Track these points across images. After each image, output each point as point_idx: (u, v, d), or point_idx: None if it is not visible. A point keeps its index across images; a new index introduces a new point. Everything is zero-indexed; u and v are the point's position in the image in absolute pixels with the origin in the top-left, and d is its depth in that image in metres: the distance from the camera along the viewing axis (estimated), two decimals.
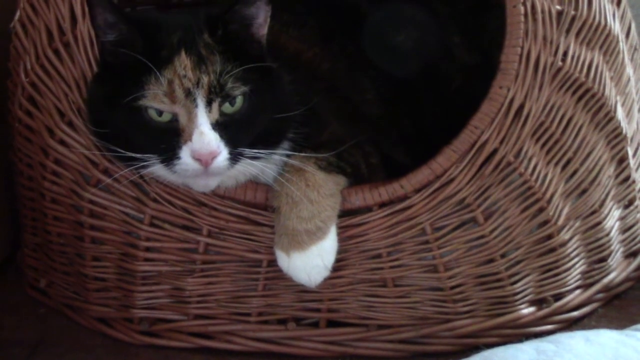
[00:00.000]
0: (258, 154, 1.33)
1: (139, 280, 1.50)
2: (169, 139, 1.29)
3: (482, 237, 1.45)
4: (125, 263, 1.49)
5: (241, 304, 1.49)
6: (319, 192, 1.39)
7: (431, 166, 1.42)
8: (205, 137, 1.28)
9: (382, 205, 1.44)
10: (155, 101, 1.28)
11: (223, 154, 1.29)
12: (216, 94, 1.29)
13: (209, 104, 1.28)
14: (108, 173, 1.44)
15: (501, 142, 1.42)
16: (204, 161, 1.28)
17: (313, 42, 1.61)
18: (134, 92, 1.28)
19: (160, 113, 1.29)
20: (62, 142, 1.47)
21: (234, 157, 1.30)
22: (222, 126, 1.29)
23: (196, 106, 1.28)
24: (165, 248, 1.47)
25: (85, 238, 1.51)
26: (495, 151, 1.42)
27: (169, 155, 1.29)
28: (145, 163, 1.31)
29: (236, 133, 1.31)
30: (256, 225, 1.44)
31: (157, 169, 1.33)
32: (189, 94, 1.28)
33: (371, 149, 1.53)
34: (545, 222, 1.48)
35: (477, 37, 1.70)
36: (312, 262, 1.39)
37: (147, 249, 1.48)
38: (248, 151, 1.32)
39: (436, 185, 1.42)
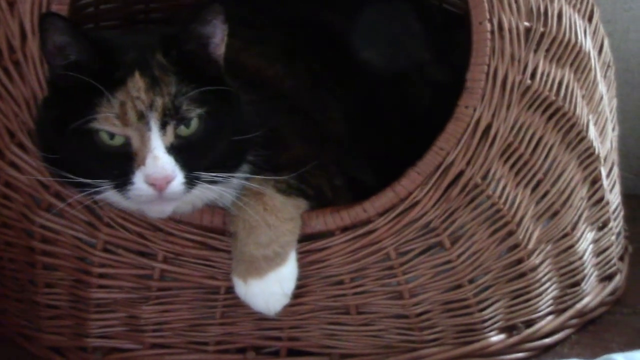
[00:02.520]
0: (215, 178, 1.27)
1: (93, 308, 1.43)
2: (121, 164, 1.23)
3: (449, 262, 1.40)
4: (79, 290, 1.43)
5: (199, 332, 1.43)
6: (278, 216, 1.33)
7: (395, 189, 1.36)
8: (159, 161, 1.22)
9: (345, 229, 1.38)
10: (107, 124, 1.22)
11: (178, 178, 1.23)
12: (171, 116, 1.23)
13: (163, 126, 1.23)
14: (60, 196, 1.38)
15: (468, 164, 1.36)
16: (159, 186, 1.22)
17: (275, 59, 1.55)
18: (84, 115, 1.22)
19: (112, 136, 1.23)
20: (13, 164, 1.41)
21: (190, 182, 1.25)
22: (177, 150, 1.24)
23: (149, 129, 1.22)
24: (120, 274, 1.41)
25: (37, 264, 1.45)
26: (461, 173, 1.37)
27: (122, 181, 1.23)
28: (97, 189, 1.25)
29: (192, 156, 1.25)
30: (213, 251, 1.38)
31: (110, 195, 1.27)
32: (142, 116, 1.22)
33: (336, 170, 1.47)
34: (515, 246, 1.43)
35: (450, 55, 1.65)
36: (270, 289, 1.33)
37: (101, 276, 1.42)
38: (205, 175, 1.26)
39: (400, 208, 1.37)
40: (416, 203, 1.36)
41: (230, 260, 1.37)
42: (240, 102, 1.33)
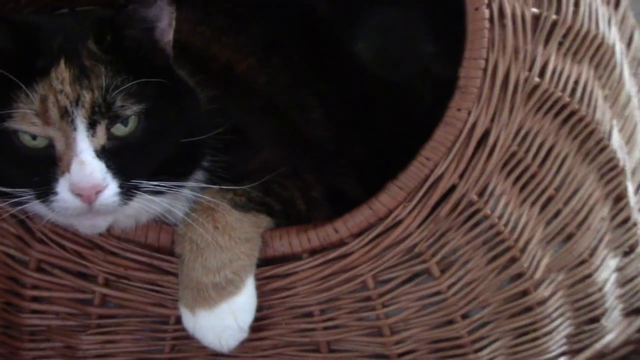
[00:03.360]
0: (159, 188, 1.07)
1: (26, 336, 1.25)
2: (44, 170, 1.04)
3: (438, 293, 1.19)
4: (9, 315, 1.24)
5: None
6: (231, 235, 1.13)
7: (372, 206, 1.15)
8: (86, 167, 1.03)
9: (314, 252, 1.17)
10: (25, 123, 1.03)
11: (111, 187, 1.04)
12: (101, 114, 1.04)
13: (91, 126, 1.04)
14: None
15: (461, 177, 1.15)
16: (86, 197, 1.03)
17: (250, 52, 1.34)
18: None
19: (34, 137, 1.05)
20: None
21: (127, 192, 1.05)
22: (110, 153, 1.05)
23: (75, 129, 1.03)
24: (55, 298, 1.22)
25: None
26: (453, 188, 1.15)
27: (44, 190, 1.04)
28: (18, 199, 1.06)
29: (129, 162, 1.06)
30: (162, 274, 1.19)
31: (35, 206, 1.08)
32: (65, 113, 1.03)
33: (313, 180, 1.26)
34: (519, 275, 1.21)
35: (457, 47, 1.42)
36: (222, 322, 1.13)
37: (34, 299, 1.23)
38: (146, 184, 1.06)
39: (379, 229, 1.16)
40: (398, 223, 1.15)
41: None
42: (194, 98, 1.14)
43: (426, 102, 1.39)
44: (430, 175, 1.14)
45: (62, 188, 1.03)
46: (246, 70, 1.33)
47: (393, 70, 1.42)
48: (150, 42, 1.09)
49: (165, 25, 1.10)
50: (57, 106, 1.03)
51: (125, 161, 1.05)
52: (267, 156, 1.23)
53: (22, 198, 1.06)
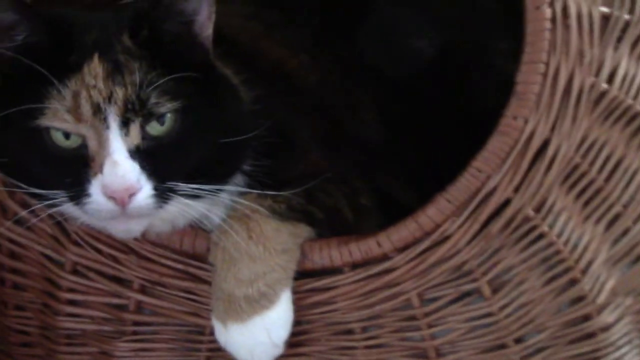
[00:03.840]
0: (196, 192, 1.01)
1: (62, 339, 1.21)
2: (76, 171, 0.99)
3: (489, 314, 1.10)
4: (46, 317, 1.21)
5: None
6: (266, 246, 1.06)
7: (418, 219, 1.07)
8: (119, 168, 0.97)
9: (355, 266, 1.09)
10: (56, 119, 0.98)
11: (145, 190, 0.98)
12: (135, 111, 0.98)
13: (125, 124, 0.98)
14: (26, 205, 1.15)
15: (516, 191, 1.05)
16: (119, 199, 0.98)
17: (302, 48, 1.27)
18: (31, 109, 0.99)
19: (67, 136, 1.00)
20: None
21: (162, 195, 1.00)
22: (145, 154, 0.99)
23: (107, 127, 0.98)
24: (91, 302, 1.18)
25: (7, 282, 1.23)
26: (507, 202, 1.06)
27: (77, 192, 0.99)
28: (52, 201, 1.01)
29: (165, 163, 1.00)
30: (197, 282, 1.13)
31: (69, 208, 1.03)
32: (98, 110, 0.98)
33: (362, 186, 1.19)
34: (580, 299, 1.10)
35: None
36: (255, 337, 1.07)
37: (70, 302, 1.19)
38: (182, 187, 1.00)
39: (425, 244, 1.07)
40: (446, 238, 1.07)
41: None
42: (236, 97, 1.08)
43: (490, 104, 1.29)
44: (482, 188, 1.05)
45: (95, 190, 0.98)
46: (297, 68, 1.26)
47: (458, 69, 1.32)
48: (188, 37, 1.03)
49: (204, 18, 1.04)
50: (89, 102, 0.98)
51: (161, 162, 0.99)
52: (313, 160, 1.16)
53: (56, 200, 1.01)
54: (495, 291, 1.09)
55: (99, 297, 1.18)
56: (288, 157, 1.13)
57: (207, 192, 1.02)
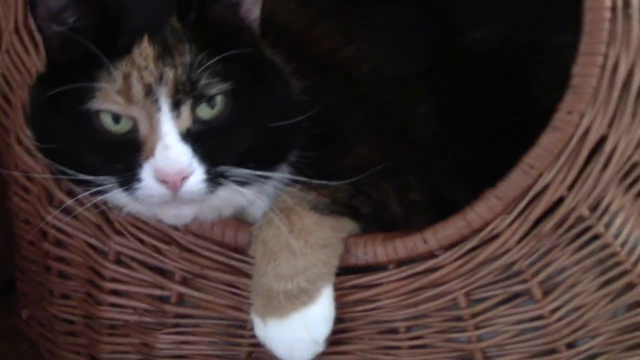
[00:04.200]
0: (247, 177, 0.99)
1: (104, 329, 1.20)
2: (127, 156, 0.97)
3: (540, 317, 1.05)
4: (90, 306, 1.20)
5: None
6: (307, 240, 1.03)
7: (467, 216, 1.02)
8: (171, 151, 0.95)
9: (401, 263, 1.06)
10: (107, 102, 0.97)
11: (197, 174, 0.96)
12: (186, 92, 0.96)
13: (176, 106, 0.96)
14: (72, 194, 1.14)
15: (570, 189, 1.00)
16: (172, 183, 0.95)
17: (356, 36, 1.23)
18: (81, 92, 0.97)
19: (116, 120, 0.98)
20: (28, 151, 1.19)
21: (214, 179, 0.97)
22: (196, 137, 0.97)
23: (158, 109, 0.96)
24: (133, 293, 1.17)
25: (52, 270, 1.23)
26: (560, 201, 1.01)
27: (128, 177, 0.97)
28: (100, 188, 1.00)
29: (216, 146, 0.98)
30: (239, 276, 1.10)
31: (118, 196, 1.01)
32: (149, 92, 0.96)
33: (414, 180, 1.15)
34: (638, 304, 1.05)
35: None
36: (294, 333, 1.04)
37: (113, 292, 1.18)
38: (234, 171, 0.98)
39: (473, 242, 1.03)
40: (495, 237, 1.03)
41: None
42: (285, 82, 1.05)
43: (552, 101, 1.24)
44: (533, 186, 1.00)
45: (147, 174, 0.96)
46: (350, 57, 1.22)
47: (517, 62, 1.27)
48: (235, 20, 1.01)
49: (252, 1, 1.01)
50: (141, 83, 0.96)
51: (212, 145, 0.97)
52: (362, 153, 1.12)
53: (105, 187, 0.99)
54: (546, 293, 1.04)
55: (141, 288, 1.16)
56: (335, 148, 1.10)
57: (256, 178, 1.00)
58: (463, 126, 1.23)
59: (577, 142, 0.99)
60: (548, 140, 0.99)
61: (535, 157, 0.99)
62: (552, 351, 1.06)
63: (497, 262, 1.03)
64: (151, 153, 0.96)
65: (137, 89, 0.96)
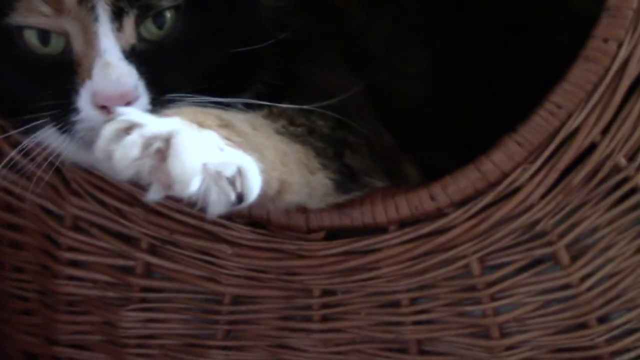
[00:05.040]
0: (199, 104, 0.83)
1: (62, 306, 1.05)
2: (61, 82, 0.83)
3: (567, 286, 0.91)
4: (45, 279, 1.05)
5: (195, 356, 1.00)
6: None
7: (481, 167, 0.87)
8: (112, 70, 0.80)
9: (403, 224, 0.90)
10: (31, 14, 0.81)
11: (142, 101, 0.81)
12: (129, 1, 0.81)
13: (117, 17, 0.81)
14: (16, 144, 0.97)
15: (604, 133, 0.86)
16: (113, 109, 0.80)
17: None
18: None
19: (45, 39, 0.82)
20: None
21: (160, 104, 0.82)
22: (141, 58, 0.82)
23: (96, 19, 0.80)
24: (93, 264, 1.01)
25: (4, 239, 1.07)
26: (593, 147, 0.86)
27: (63, 109, 0.83)
28: (31, 124, 0.85)
29: (165, 71, 0.83)
30: (213, 241, 0.96)
31: (54, 137, 0.86)
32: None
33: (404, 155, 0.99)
34: None
35: None
36: None
37: (70, 263, 1.02)
38: (184, 99, 0.82)
39: (489, 197, 0.88)
40: (515, 191, 0.88)
41: (237, 257, 0.94)
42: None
43: (561, 45, 1.09)
44: (561, 129, 0.86)
45: (84, 101, 0.81)
46: (343, 5, 1.07)
47: (522, 4, 1.12)
48: None
49: None
50: None
51: (160, 70, 0.82)
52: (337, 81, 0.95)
53: (36, 122, 0.84)
54: (574, 258, 0.90)
55: (102, 258, 1.01)
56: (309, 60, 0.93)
57: (211, 105, 0.83)
58: (460, 84, 1.08)
59: (613, 76, 0.84)
60: (579, 74, 0.84)
61: (563, 94, 0.84)
62: (582, 326, 0.92)
63: (518, 221, 0.88)
64: (88, 74, 0.81)
65: None
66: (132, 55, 0.81)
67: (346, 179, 0.88)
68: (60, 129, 0.84)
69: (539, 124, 0.86)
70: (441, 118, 1.05)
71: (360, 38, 1.06)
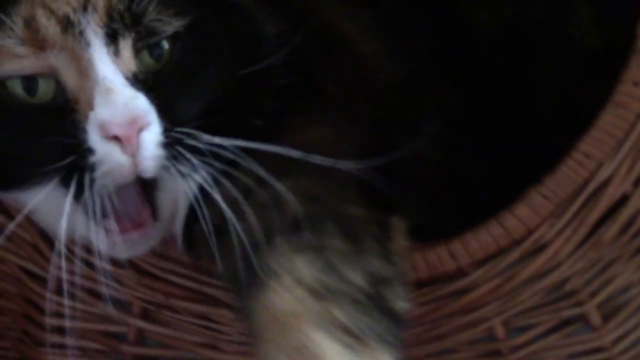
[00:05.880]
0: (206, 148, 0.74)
1: None
2: (61, 131, 0.73)
3: (599, 350, 0.87)
4: (27, 348, 0.99)
5: None
6: None
7: (504, 222, 0.82)
8: (116, 95, 0.72)
9: (421, 285, 0.85)
10: (8, 60, 0.73)
11: (154, 127, 0.72)
12: (124, 24, 0.73)
13: (112, 39, 0.73)
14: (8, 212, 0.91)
15: (636, 184, 0.82)
16: (126, 138, 0.71)
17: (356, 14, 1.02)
18: None
19: (31, 87, 0.73)
20: None
21: (173, 145, 0.73)
22: (147, 85, 0.74)
23: (87, 44, 0.72)
24: (81, 330, 0.96)
25: None
26: (624, 199, 0.82)
27: (75, 158, 0.72)
28: (35, 183, 0.75)
29: (171, 98, 0.75)
30: (213, 306, 0.90)
31: (56, 197, 0.75)
32: (68, 24, 0.72)
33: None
34: None
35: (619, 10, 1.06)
36: None
37: (55, 330, 0.95)
38: (197, 137, 0.74)
39: (514, 255, 0.84)
40: (542, 248, 0.83)
41: (239, 322, 0.88)
42: (253, 21, 0.82)
43: (562, 87, 1.04)
44: (590, 180, 0.81)
45: (95, 138, 0.72)
46: (348, 32, 1.01)
47: (525, 47, 1.07)
48: None
49: None
50: (53, 18, 0.72)
51: (166, 97, 0.74)
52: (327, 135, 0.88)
53: (43, 179, 0.74)
54: (606, 318, 0.87)
55: (91, 324, 0.96)
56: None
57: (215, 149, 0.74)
58: (462, 125, 1.03)
59: None
60: (608, 121, 0.80)
61: (592, 142, 0.80)
62: None
63: (545, 281, 0.85)
64: (89, 106, 0.72)
65: (49, 27, 0.72)
66: (136, 82, 0.74)
67: None
68: (75, 184, 0.73)
69: (566, 174, 0.81)
70: (444, 174, 0.99)
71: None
